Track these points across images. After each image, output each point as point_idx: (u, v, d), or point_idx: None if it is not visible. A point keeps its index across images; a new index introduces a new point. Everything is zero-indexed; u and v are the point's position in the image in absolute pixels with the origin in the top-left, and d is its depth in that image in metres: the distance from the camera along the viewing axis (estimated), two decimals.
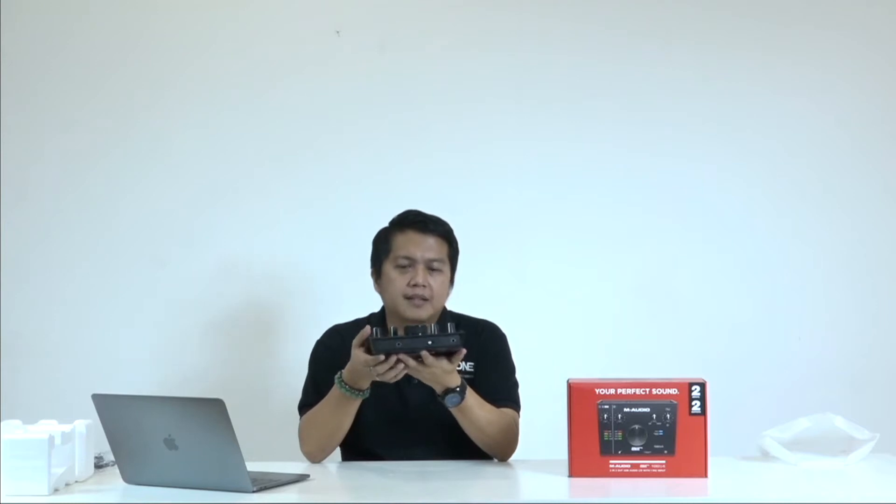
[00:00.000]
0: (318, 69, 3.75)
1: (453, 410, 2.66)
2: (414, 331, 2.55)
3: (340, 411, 2.71)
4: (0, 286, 3.68)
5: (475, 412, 2.68)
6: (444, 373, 2.59)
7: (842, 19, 3.76)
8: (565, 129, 3.74)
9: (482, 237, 3.66)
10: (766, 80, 3.75)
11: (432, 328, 2.56)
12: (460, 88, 3.74)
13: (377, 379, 2.62)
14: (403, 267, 2.85)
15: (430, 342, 2.54)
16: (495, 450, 2.77)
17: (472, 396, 2.68)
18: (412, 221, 2.90)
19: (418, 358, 2.56)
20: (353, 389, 2.66)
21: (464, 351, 2.59)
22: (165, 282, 3.71)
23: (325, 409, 2.73)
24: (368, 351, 2.57)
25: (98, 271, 3.72)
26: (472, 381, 2.81)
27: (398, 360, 2.55)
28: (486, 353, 2.87)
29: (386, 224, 2.96)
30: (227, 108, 3.74)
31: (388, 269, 2.87)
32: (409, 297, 2.83)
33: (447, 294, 2.92)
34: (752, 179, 3.75)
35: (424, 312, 2.84)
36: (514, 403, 2.85)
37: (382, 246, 2.91)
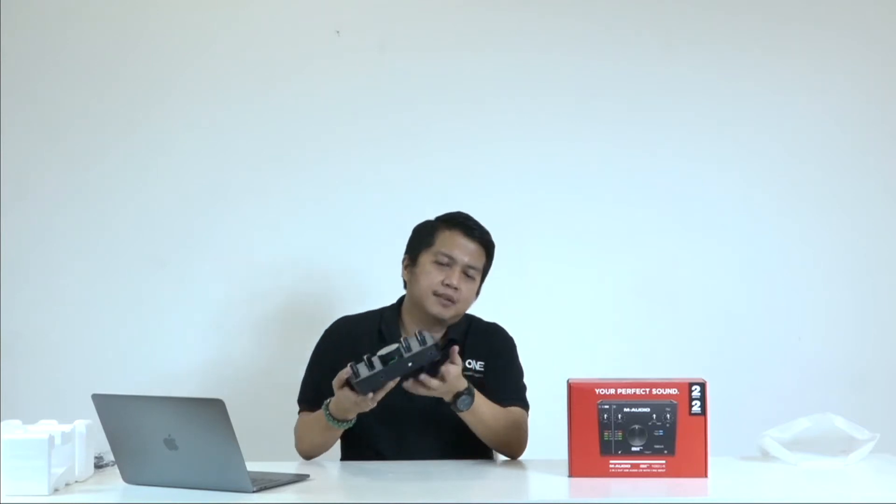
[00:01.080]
0: (318, 69, 3.75)
1: (464, 413, 2.66)
2: (389, 357, 2.49)
3: (328, 433, 2.73)
4: (0, 286, 3.68)
5: (483, 410, 2.69)
6: (453, 378, 2.58)
7: (842, 19, 3.76)
8: (565, 128, 3.74)
9: None
10: (766, 80, 3.75)
11: (405, 344, 2.49)
12: (460, 88, 3.74)
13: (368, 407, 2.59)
14: (442, 264, 2.85)
15: (410, 364, 2.49)
16: (504, 447, 2.78)
17: (479, 395, 2.68)
18: (461, 223, 2.91)
19: (405, 378, 2.53)
20: (339, 420, 2.66)
21: (458, 358, 2.58)
22: (165, 282, 3.71)
23: (314, 427, 2.75)
24: (352, 388, 2.55)
25: (98, 271, 3.72)
26: (482, 380, 2.83)
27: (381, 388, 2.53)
28: (496, 355, 2.89)
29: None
30: (227, 108, 3.74)
31: (426, 261, 2.87)
32: (438, 294, 2.84)
33: (472, 302, 2.92)
34: (752, 179, 3.75)
35: (448, 312, 2.85)
36: (523, 402, 2.87)
37: (425, 237, 2.91)
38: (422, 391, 2.57)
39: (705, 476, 2.45)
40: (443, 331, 2.91)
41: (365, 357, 2.51)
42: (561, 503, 2.35)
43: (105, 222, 3.73)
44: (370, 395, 2.52)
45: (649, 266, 3.73)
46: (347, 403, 2.58)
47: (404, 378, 2.53)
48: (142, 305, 3.71)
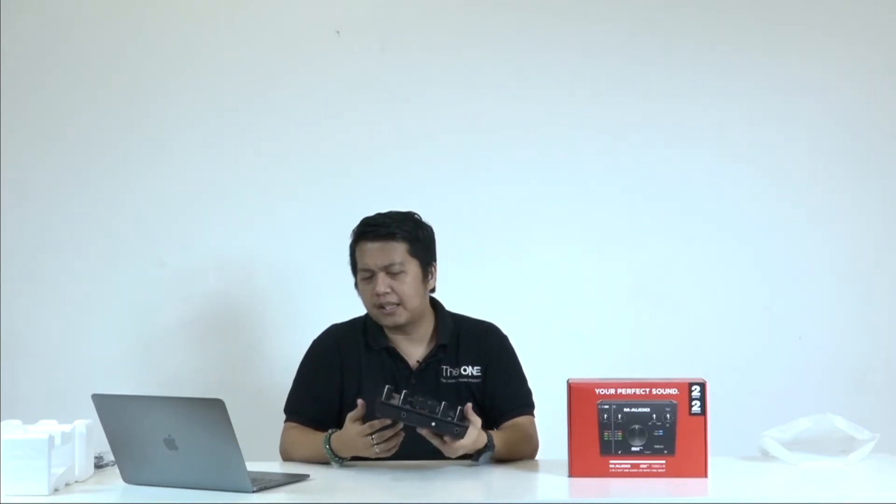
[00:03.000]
0: (318, 69, 3.75)
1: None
2: (422, 405, 2.44)
3: (318, 457, 2.68)
4: (0, 286, 3.68)
5: (498, 449, 2.67)
6: (473, 442, 2.54)
7: (842, 19, 3.76)
8: (565, 128, 3.74)
9: (483, 237, 3.67)
10: (766, 80, 3.74)
11: (441, 409, 2.44)
12: (461, 88, 3.74)
13: (372, 453, 2.55)
14: (366, 279, 2.83)
15: (432, 424, 2.44)
16: (519, 459, 2.76)
17: (496, 441, 2.66)
18: (364, 231, 2.85)
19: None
20: (336, 456, 2.64)
21: (475, 417, 2.52)
22: (165, 282, 3.71)
23: (304, 448, 2.73)
24: (362, 421, 2.53)
25: (97, 271, 3.72)
26: (481, 384, 2.82)
27: (394, 436, 2.51)
28: (494, 358, 2.87)
29: None
30: (227, 108, 3.74)
31: (358, 280, 2.87)
32: (377, 307, 2.82)
33: (422, 291, 2.85)
34: (752, 179, 3.75)
35: (399, 317, 2.82)
36: (529, 407, 2.87)
37: (351, 258, 2.90)
38: (445, 450, 2.52)
39: (705, 476, 2.45)
40: (429, 333, 2.88)
41: (405, 391, 2.46)
42: (561, 503, 2.35)
43: (105, 222, 3.73)
44: (374, 442, 2.50)
45: (649, 266, 3.73)
46: (349, 438, 2.56)
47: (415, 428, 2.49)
48: (142, 305, 3.71)
